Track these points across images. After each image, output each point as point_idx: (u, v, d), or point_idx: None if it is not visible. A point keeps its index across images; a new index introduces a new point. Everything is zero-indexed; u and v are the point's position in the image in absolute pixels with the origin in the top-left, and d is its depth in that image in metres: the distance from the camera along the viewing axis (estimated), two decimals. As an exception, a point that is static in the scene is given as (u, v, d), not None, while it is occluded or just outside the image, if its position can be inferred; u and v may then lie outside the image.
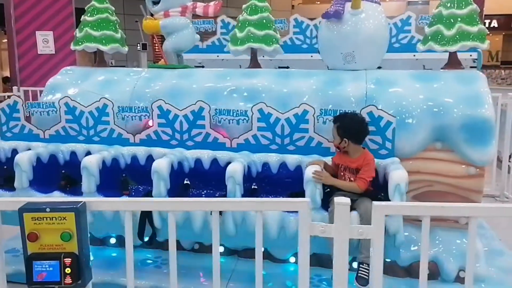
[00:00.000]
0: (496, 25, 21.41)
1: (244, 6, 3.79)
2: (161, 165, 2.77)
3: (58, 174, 3.21)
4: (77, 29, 3.93)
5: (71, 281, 1.71)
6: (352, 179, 2.76)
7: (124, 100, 3.48)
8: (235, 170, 2.68)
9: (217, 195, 2.90)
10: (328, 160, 2.89)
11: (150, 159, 3.08)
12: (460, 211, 1.74)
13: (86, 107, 3.26)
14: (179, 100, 3.38)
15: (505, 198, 5.23)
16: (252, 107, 3.03)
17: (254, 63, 3.85)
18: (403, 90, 3.14)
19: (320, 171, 2.66)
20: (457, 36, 3.21)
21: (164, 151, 3.07)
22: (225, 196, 2.75)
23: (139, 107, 3.27)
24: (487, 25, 20.01)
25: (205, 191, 3.04)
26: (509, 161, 5.32)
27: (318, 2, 21.26)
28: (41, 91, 3.88)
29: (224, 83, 3.47)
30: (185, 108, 3.12)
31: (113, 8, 3.97)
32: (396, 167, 2.65)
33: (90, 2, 3.90)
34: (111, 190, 2.94)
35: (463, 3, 3.26)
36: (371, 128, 2.83)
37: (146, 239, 2.83)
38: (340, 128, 2.77)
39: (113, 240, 3.50)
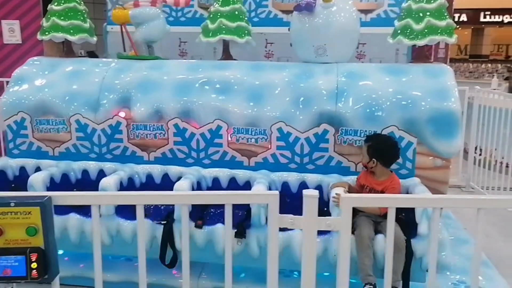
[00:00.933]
0: (465, 19, 21.93)
1: (216, -4, 3.75)
2: (183, 187, 2.72)
3: None
4: (43, 19, 3.80)
5: (37, 276, 1.68)
6: None
7: (93, 91, 3.41)
8: (259, 192, 2.59)
9: (240, 214, 2.85)
10: (353, 180, 2.90)
11: (165, 177, 3.05)
12: (425, 202, 1.78)
13: (98, 124, 3.21)
14: (150, 92, 3.34)
15: (471, 188, 5.41)
16: (271, 126, 3.03)
17: (226, 55, 3.82)
18: (373, 83, 3.19)
19: (339, 194, 2.64)
20: (426, 30, 3.27)
21: (180, 170, 3.04)
22: (247, 215, 2.73)
23: (154, 125, 3.19)
24: (456, 19, 20.50)
25: (221, 210, 2.97)
26: (475, 153, 5.49)
27: (293, -6, 21.25)
28: (7, 82, 3.74)
29: (196, 75, 3.43)
30: (202, 127, 3.11)
31: (81, -3, 3.86)
32: (421, 189, 2.69)
33: (58, -9, 3.77)
34: (127, 210, 2.84)
35: (432, -3, 3.31)
36: None
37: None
38: (371, 148, 2.77)
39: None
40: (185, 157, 3.16)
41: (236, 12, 3.70)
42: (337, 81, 3.22)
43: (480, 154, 5.50)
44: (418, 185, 2.82)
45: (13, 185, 3.20)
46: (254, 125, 3.13)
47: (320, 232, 2.57)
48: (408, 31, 3.32)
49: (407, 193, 2.79)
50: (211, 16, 3.73)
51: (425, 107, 3.01)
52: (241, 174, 3.02)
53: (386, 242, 1.77)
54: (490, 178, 5.30)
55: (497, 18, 22.03)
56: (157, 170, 3.11)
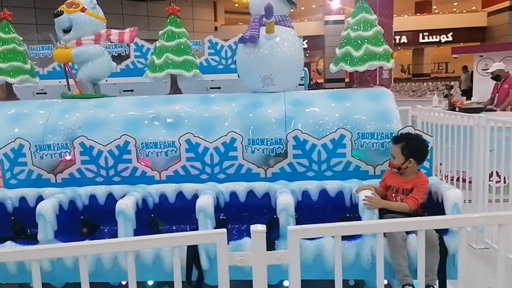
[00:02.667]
0: (405, 41, 23.17)
1: (160, 32, 3.77)
2: (206, 203, 2.61)
3: (77, 221, 2.93)
4: (-19, 62, 3.66)
5: None
6: (405, 200, 2.73)
7: (38, 134, 3.29)
8: (287, 203, 2.56)
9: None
10: (376, 184, 2.87)
11: (179, 196, 2.92)
12: (367, 228, 1.82)
13: (105, 145, 3.02)
14: (98, 131, 3.27)
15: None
16: (287, 134, 2.98)
17: (175, 89, 3.82)
18: (319, 109, 3.28)
19: (370, 196, 2.62)
20: (365, 57, 3.42)
21: (196, 187, 2.92)
22: (270, 227, 2.62)
23: (165, 142, 3.04)
24: (397, 41, 21.63)
25: (244, 225, 2.89)
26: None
27: (241, 23, 21.75)
28: None
29: (145, 110, 3.40)
30: (215, 140, 3.00)
31: (21, 38, 3.76)
32: (448, 186, 2.67)
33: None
34: (142, 232, 2.68)
35: (369, 25, 3.48)
36: None
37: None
38: (406, 148, 2.74)
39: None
40: (199, 173, 3.03)
41: (182, 47, 3.73)
42: (285, 109, 3.29)
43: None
44: (442, 183, 2.81)
45: (12, 217, 2.96)
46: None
47: (352, 237, 2.56)
48: (348, 58, 3.47)
49: (431, 192, 2.78)
50: (157, 51, 3.73)
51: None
52: (259, 186, 2.93)
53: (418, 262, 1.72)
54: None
55: (435, 38, 23.42)
56: (170, 189, 2.97)
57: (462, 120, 5.20)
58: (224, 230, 1.63)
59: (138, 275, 2.60)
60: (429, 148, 2.86)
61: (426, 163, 2.92)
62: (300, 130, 3.00)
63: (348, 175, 2.98)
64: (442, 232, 2.55)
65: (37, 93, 4.70)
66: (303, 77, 4.75)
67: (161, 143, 3.06)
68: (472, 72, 13.29)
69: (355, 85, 3.65)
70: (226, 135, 3.02)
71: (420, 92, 11.25)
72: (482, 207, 4.64)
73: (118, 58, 4.81)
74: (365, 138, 3.00)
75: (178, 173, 3.04)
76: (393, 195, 2.80)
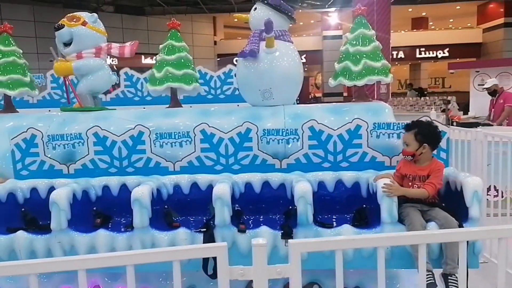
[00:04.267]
0: (402, 56, 23.38)
1: (161, 46, 3.80)
2: (224, 191, 2.59)
3: (90, 212, 2.90)
4: (-20, 74, 3.67)
5: None
6: (422, 187, 2.72)
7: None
8: (305, 191, 2.55)
9: (277, 218, 2.74)
10: (388, 173, 2.84)
11: (194, 187, 2.88)
12: (372, 242, 1.82)
13: (118, 136, 2.98)
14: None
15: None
16: (302, 125, 2.95)
17: (175, 103, 3.83)
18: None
19: (389, 183, 2.61)
20: (364, 71, 3.45)
21: (210, 178, 2.88)
22: (286, 217, 2.63)
23: (180, 132, 3.03)
24: (394, 56, 21.83)
25: (262, 217, 2.88)
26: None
27: (240, 38, 21.94)
28: None
29: (145, 123, 3.39)
30: (230, 131, 2.97)
31: (21, 51, 3.78)
32: (466, 174, 2.66)
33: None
34: (157, 223, 2.69)
35: (367, 40, 3.52)
36: None
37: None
38: (419, 134, 2.74)
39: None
40: (213, 164, 3.01)
41: (182, 60, 3.75)
42: (285, 122, 3.30)
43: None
44: (459, 172, 2.80)
45: (23, 209, 2.92)
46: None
47: (370, 225, 2.56)
48: (347, 73, 3.49)
49: (448, 182, 2.77)
50: (157, 65, 3.75)
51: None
52: (274, 177, 2.91)
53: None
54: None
55: (431, 54, 23.63)
56: (184, 180, 2.94)
57: (459, 134, 5.22)
58: (225, 243, 1.62)
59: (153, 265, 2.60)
60: (445, 138, 2.86)
61: (442, 154, 2.91)
62: (316, 121, 2.97)
63: (364, 166, 2.95)
64: (462, 220, 2.55)
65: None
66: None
67: (175, 133, 3.04)
68: (418, 88, 13.29)
69: (353, 99, 3.67)
70: (241, 125, 3.00)
71: (418, 107, 11.34)
72: (481, 220, 4.62)
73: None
74: (381, 128, 2.97)
75: (192, 163, 3.01)
76: (410, 183, 2.79)
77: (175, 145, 3.05)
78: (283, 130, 3.00)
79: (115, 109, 3.77)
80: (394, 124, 2.98)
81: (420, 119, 2.88)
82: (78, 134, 3.08)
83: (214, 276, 2.56)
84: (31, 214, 2.86)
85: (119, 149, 3.02)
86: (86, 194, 2.94)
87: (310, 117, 3.33)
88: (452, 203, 2.73)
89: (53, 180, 2.99)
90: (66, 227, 2.70)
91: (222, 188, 2.63)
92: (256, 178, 2.92)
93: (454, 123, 6.78)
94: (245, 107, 3.61)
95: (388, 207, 2.56)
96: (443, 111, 9.73)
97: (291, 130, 3.00)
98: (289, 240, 1.65)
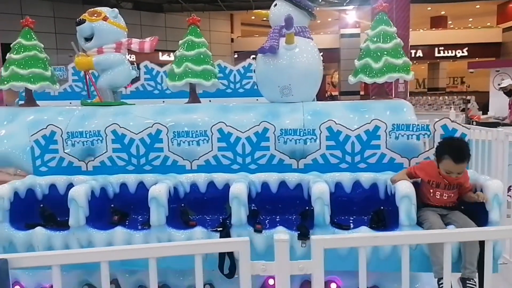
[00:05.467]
0: (421, 55, 23.10)
1: (180, 42, 3.80)
2: (240, 190, 2.58)
3: (108, 209, 2.93)
4: (2, 68, 3.73)
5: None
6: (445, 196, 2.65)
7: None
8: (322, 191, 2.53)
9: (293, 218, 2.75)
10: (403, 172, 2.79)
11: (211, 186, 2.89)
12: (394, 239, 1.79)
13: (136, 134, 3.01)
14: (116, 138, 3.29)
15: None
16: (320, 125, 2.93)
17: (194, 98, 3.84)
18: (338, 120, 3.23)
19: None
20: (384, 68, 3.40)
21: (227, 177, 2.89)
22: (303, 217, 2.63)
23: (197, 131, 3.03)
24: (412, 55, 21.57)
25: (278, 217, 2.87)
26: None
27: (257, 35, 21.92)
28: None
29: (163, 119, 3.41)
30: (247, 130, 2.97)
31: (42, 45, 3.82)
32: (487, 177, 2.63)
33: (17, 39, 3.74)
34: (174, 222, 2.71)
35: (388, 37, 3.47)
36: None
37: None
38: (470, 157, 2.66)
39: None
40: (230, 164, 3.01)
41: (202, 56, 3.75)
42: (304, 119, 3.27)
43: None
44: (480, 175, 2.77)
45: (41, 205, 2.96)
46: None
47: (389, 227, 2.53)
48: (368, 70, 3.45)
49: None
50: (177, 60, 3.76)
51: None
52: (291, 177, 2.90)
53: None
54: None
55: (450, 53, 23.31)
56: (201, 179, 2.95)
57: (480, 134, 5.13)
58: (247, 238, 1.61)
59: (170, 263, 2.52)
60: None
61: None
62: (333, 121, 2.94)
63: (382, 167, 2.90)
64: (481, 224, 2.50)
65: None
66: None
67: (193, 132, 3.04)
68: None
69: (373, 97, 3.62)
70: (258, 125, 2.98)
71: (436, 106, 11.16)
72: (501, 221, 4.53)
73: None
74: (400, 129, 2.92)
75: (209, 162, 3.01)
76: (431, 190, 2.69)
77: (192, 144, 3.05)
78: (301, 130, 2.98)
79: (134, 104, 3.79)
80: (414, 125, 2.92)
81: (456, 144, 2.68)
82: (97, 131, 3.10)
83: (230, 275, 2.57)
84: (49, 210, 2.88)
85: (137, 147, 3.03)
86: (104, 191, 2.96)
87: (329, 115, 3.30)
88: (471, 206, 2.67)
89: (72, 177, 3.02)
90: (84, 223, 2.72)
91: (239, 187, 2.62)
92: (273, 178, 2.90)
93: (474, 123, 6.65)
94: (264, 104, 3.59)
95: (406, 209, 2.51)
96: (463, 110, 9.57)
97: (309, 130, 2.98)
98: (312, 236, 1.63)
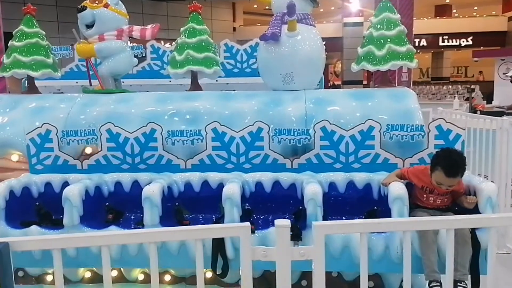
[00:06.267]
0: (425, 44, 22.89)
1: (182, 29, 3.78)
2: (233, 191, 2.59)
3: (102, 207, 2.95)
4: (4, 55, 3.72)
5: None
6: (439, 200, 2.64)
7: (58, 127, 3.31)
8: (315, 192, 2.53)
9: (287, 217, 2.67)
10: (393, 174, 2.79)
11: (205, 185, 2.91)
12: (395, 226, 1.79)
13: (131, 133, 3.02)
14: (118, 125, 3.27)
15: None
16: (314, 125, 2.94)
17: (195, 86, 3.82)
18: (340, 108, 3.24)
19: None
20: (388, 56, 3.37)
21: (221, 176, 2.90)
22: (296, 218, 2.63)
23: (191, 130, 3.03)
24: (416, 44, 21.39)
25: (272, 216, 2.87)
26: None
27: (259, 24, 21.77)
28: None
29: (165, 106, 3.41)
30: (242, 130, 2.98)
31: (44, 33, 3.80)
32: (481, 180, 2.62)
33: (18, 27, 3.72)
34: (167, 221, 2.71)
35: (392, 24, 3.43)
36: (440, 141, 2.83)
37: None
38: (464, 171, 2.57)
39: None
40: (225, 163, 3.02)
41: (203, 43, 3.72)
42: (306, 107, 3.26)
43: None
44: (474, 177, 2.76)
45: (37, 203, 2.97)
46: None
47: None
48: (371, 57, 3.42)
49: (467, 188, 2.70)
50: (178, 47, 3.73)
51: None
52: (285, 177, 2.91)
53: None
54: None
55: (454, 42, 23.09)
56: (196, 178, 2.96)
57: (484, 123, 5.10)
58: (248, 224, 1.61)
59: (163, 263, 2.52)
60: (460, 142, 2.80)
61: None
62: (328, 121, 2.94)
63: (377, 168, 2.90)
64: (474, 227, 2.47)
65: (54, 93, 4.77)
66: (319, 82, 4.71)
67: (187, 131, 3.04)
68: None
69: (376, 85, 3.60)
70: (252, 125, 2.98)
71: (440, 95, 11.09)
72: (504, 211, 4.53)
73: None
74: (394, 130, 2.91)
75: (203, 162, 3.01)
76: (425, 195, 2.68)
77: (186, 143, 3.06)
78: (295, 130, 2.98)
79: (136, 92, 3.78)
80: (408, 125, 2.90)
81: (451, 155, 2.60)
82: (91, 130, 3.10)
83: (222, 275, 2.59)
84: (45, 209, 2.90)
85: (132, 146, 3.05)
86: (99, 189, 2.98)
87: (332, 102, 3.29)
88: (465, 208, 2.63)
89: (67, 175, 3.04)
90: (78, 223, 2.74)
91: (232, 188, 2.63)
92: (266, 178, 2.91)
93: (478, 112, 6.61)
94: (266, 92, 3.57)
95: (399, 211, 2.50)
96: (467, 99, 9.51)
97: (303, 130, 2.98)
98: (313, 222, 1.63)
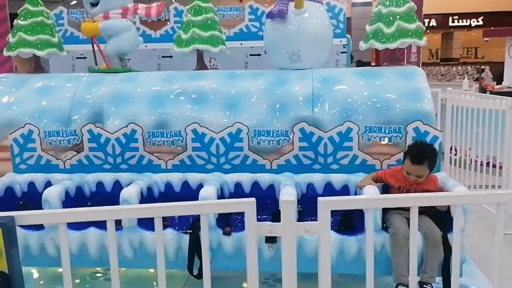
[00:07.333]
0: (434, 24, 22.47)
1: (187, 7, 3.73)
2: (209, 193, 2.60)
3: (84, 207, 2.93)
4: (10, 34, 3.70)
5: (1, 303, 1.57)
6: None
7: (65, 107, 3.32)
8: (289, 194, 2.50)
9: (265, 218, 2.77)
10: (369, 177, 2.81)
11: (185, 185, 2.95)
12: (402, 201, 1.78)
13: (112, 133, 3.06)
14: (123, 105, 3.28)
15: (449, 188, 5.46)
16: (293, 126, 2.96)
17: (201, 65, 3.79)
18: (348, 87, 3.20)
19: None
20: (397, 34, 3.31)
21: (201, 177, 2.94)
22: (273, 219, 2.62)
23: (172, 131, 3.07)
24: (426, 24, 21.00)
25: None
26: (450, 153, 5.58)
27: (266, 5, 21.48)
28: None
29: (171, 86, 3.39)
30: (222, 131, 3.01)
31: (49, 11, 3.78)
32: (454, 183, 2.64)
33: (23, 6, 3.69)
34: (147, 222, 2.66)
35: (401, 1, 3.36)
36: None
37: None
38: (432, 162, 2.64)
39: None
40: (205, 163, 3.05)
41: (209, 22, 3.68)
42: (313, 86, 3.22)
43: (455, 154, 5.58)
44: (449, 180, 2.79)
45: (21, 202, 3.02)
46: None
47: (354, 232, 2.56)
48: (379, 35, 3.36)
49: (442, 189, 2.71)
50: (184, 26, 3.69)
51: (399, 109, 3.03)
52: (264, 178, 2.94)
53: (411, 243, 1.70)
54: (466, 177, 5.38)
55: (465, 22, 22.62)
56: (176, 178, 3.00)
57: (494, 103, 5.02)
58: (253, 199, 1.61)
59: (141, 264, 2.68)
60: (438, 143, 2.80)
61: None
62: (306, 123, 2.97)
63: (355, 169, 2.94)
64: (446, 231, 2.50)
65: (77, 58, 4.74)
66: (346, 45, 4.65)
67: (167, 132, 3.09)
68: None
69: (385, 64, 3.55)
70: (232, 126, 3.01)
71: (449, 76, 10.94)
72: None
73: (157, 24, 4.77)
74: (372, 131, 2.93)
75: (184, 162, 3.05)
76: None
77: (167, 144, 3.09)
78: (274, 131, 3.01)
79: (141, 71, 3.76)
80: (386, 127, 2.92)
81: (420, 143, 2.71)
82: (73, 130, 3.14)
83: (199, 276, 2.58)
84: (28, 208, 2.88)
85: (113, 146, 3.07)
86: (81, 190, 3.01)
87: (339, 81, 3.25)
88: (440, 211, 2.60)
89: (50, 175, 3.07)
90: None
91: (209, 191, 2.64)
92: (246, 178, 2.94)
93: (488, 92, 6.52)
94: (272, 71, 3.54)
95: (371, 215, 2.49)
96: (476, 80, 9.38)
97: (282, 131, 3.00)
98: (319, 198, 1.62)
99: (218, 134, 3.00)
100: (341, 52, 4.04)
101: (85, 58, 4.69)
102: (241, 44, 4.25)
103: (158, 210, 1.51)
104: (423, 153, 2.62)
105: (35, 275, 3.08)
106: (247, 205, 1.58)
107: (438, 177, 2.76)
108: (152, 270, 2.98)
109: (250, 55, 4.63)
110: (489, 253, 3.63)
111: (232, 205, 1.66)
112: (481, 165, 5.34)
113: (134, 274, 3.01)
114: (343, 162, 2.94)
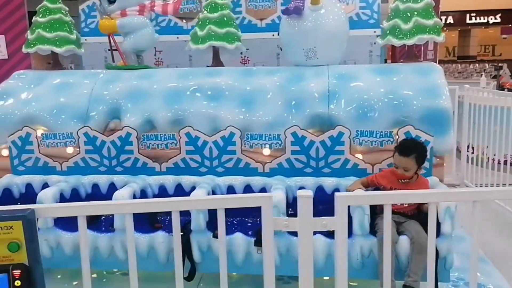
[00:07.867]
0: (452, 21, 22.16)
1: (204, 3, 3.74)
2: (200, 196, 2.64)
3: None
4: (28, 31, 3.76)
5: (21, 294, 1.60)
6: (406, 204, 2.68)
7: (83, 104, 3.36)
8: (278, 200, 2.52)
9: (255, 222, 2.82)
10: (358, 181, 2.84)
11: (179, 188, 3.00)
12: (420, 197, 1.76)
13: (107, 136, 3.13)
14: (140, 101, 3.31)
15: (465, 186, 5.41)
16: (285, 130, 2.99)
17: (217, 62, 3.80)
18: (364, 84, 3.17)
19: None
20: (414, 30, 3.28)
21: (194, 179, 2.99)
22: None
23: (166, 134, 3.13)
24: (443, 21, 20.71)
25: (238, 219, 2.97)
26: (468, 151, 5.50)
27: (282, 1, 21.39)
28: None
29: (187, 82, 3.40)
30: (214, 134, 3.05)
31: (67, 8, 3.82)
32: (443, 189, 2.65)
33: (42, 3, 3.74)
34: (141, 223, 2.75)
35: (419, -3, 3.32)
36: None
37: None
38: (419, 157, 2.69)
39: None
40: (198, 166, 3.10)
41: (225, 19, 3.68)
42: (329, 83, 3.21)
43: (472, 152, 5.51)
44: (439, 184, 2.81)
45: (19, 203, 3.09)
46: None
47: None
48: (397, 31, 3.33)
49: None
50: (200, 23, 3.71)
51: (416, 105, 3.00)
52: (256, 181, 2.97)
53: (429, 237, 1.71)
54: (483, 175, 5.31)
55: (482, 19, 22.27)
56: (169, 181, 3.06)
57: (512, 101, 4.95)
58: (270, 194, 1.62)
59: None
60: (429, 147, 2.82)
61: (426, 163, 2.84)
62: (298, 127, 2.99)
63: (346, 173, 2.96)
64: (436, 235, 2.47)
65: (108, 50, 4.75)
66: (379, 35, 4.50)
67: (161, 135, 3.14)
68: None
69: (402, 60, 3.51)
70: (225, 129, 3.04)
71: (466, 74, 10.77)
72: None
73: (189, 16, 4.76)
74: (364, 136, 2.95)
75: (178, 165, 3.09)
76: None
77: (161, 147, 3.14)
78: (266, 135, 3.04)
79: (158, 67, 3.78)
80: (377, 132, 2.94)
81: (409, 139, 2.78)
82: (69, 133, 3.21)
83: (189, 278, 2.64)
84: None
85: (108, 149, 3.14)
86: (77, 191, 3.06)
87: (355, 78, 3.23)
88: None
89: (47, 177, 3.14)
90: (52, 225, 2.79)
91: (199, 194, 2.67)
92: (238, 182, 2.97)
93: (506, 90, 6.41)
94: (288, 68, 3.53)
95: (359, 219, 2.52)
96: (494, 77, 9.22)
97: (274, 135, 3.03)
98: (336, 193, 1.62)
99: (211, 138, 3.06)
100: (375, 43, 3.95)
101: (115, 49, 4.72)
102: (273, 35, 4.22)
103: (177, 204, 1.53)
104: (409, 146, 2.71)
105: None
106: (264, 200, 1.58)
107: (429, 181, 2.78)
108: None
109: None
110: (506, 252, 3.58)
111: (249, 200, 1.66)
112: (498, 163, 5.27)
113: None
114: (334, 166, 2.97)
